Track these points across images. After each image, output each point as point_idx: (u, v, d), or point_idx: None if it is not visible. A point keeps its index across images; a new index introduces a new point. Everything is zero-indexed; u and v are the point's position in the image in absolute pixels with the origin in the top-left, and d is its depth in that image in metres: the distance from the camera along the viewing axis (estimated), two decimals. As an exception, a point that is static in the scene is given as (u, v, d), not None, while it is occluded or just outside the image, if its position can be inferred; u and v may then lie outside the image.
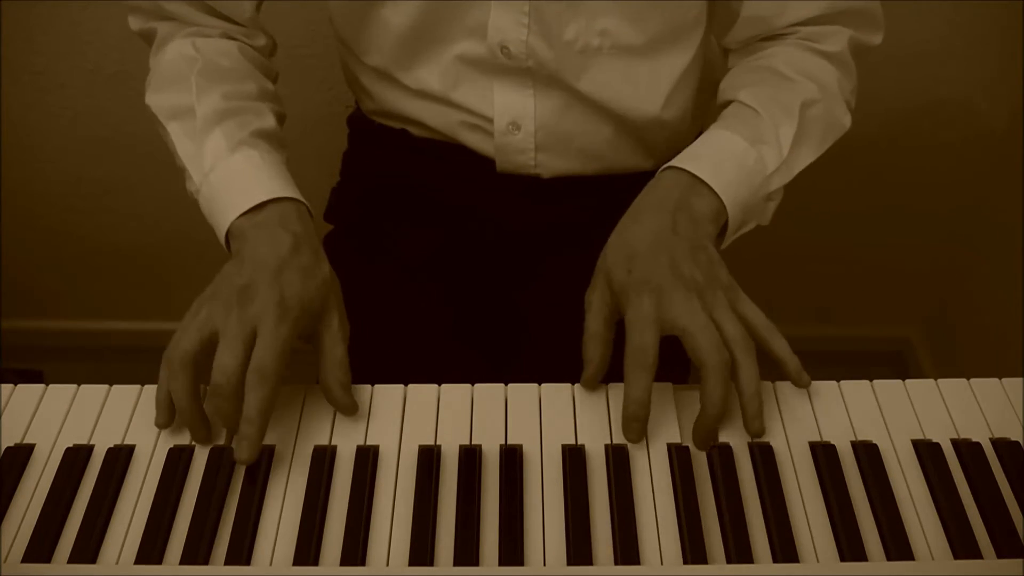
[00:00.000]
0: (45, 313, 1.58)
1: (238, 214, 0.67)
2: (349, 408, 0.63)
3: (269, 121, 0.75)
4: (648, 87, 0.80)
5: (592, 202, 0.87)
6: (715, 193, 0.69)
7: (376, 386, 0.65)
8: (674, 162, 0.71)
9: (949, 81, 1.27)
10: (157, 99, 0.75)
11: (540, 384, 0.66)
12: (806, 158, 0.74)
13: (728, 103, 0.78)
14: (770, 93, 0.75)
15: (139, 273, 1.53)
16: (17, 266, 1.49)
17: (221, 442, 0.62)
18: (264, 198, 0.68)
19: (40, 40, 1.24)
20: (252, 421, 0.59)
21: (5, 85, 1.29)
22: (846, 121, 0.78)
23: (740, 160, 0.71)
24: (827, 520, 0.57)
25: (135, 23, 0.81)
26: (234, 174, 0.69)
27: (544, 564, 0.55)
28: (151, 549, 0.55)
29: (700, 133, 0.94)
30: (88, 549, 0.55)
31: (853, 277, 1.51)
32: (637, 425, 0.61)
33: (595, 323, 0.65)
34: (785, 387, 0.65)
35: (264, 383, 0.59)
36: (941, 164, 1.37)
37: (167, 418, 0.62)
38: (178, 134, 0.73)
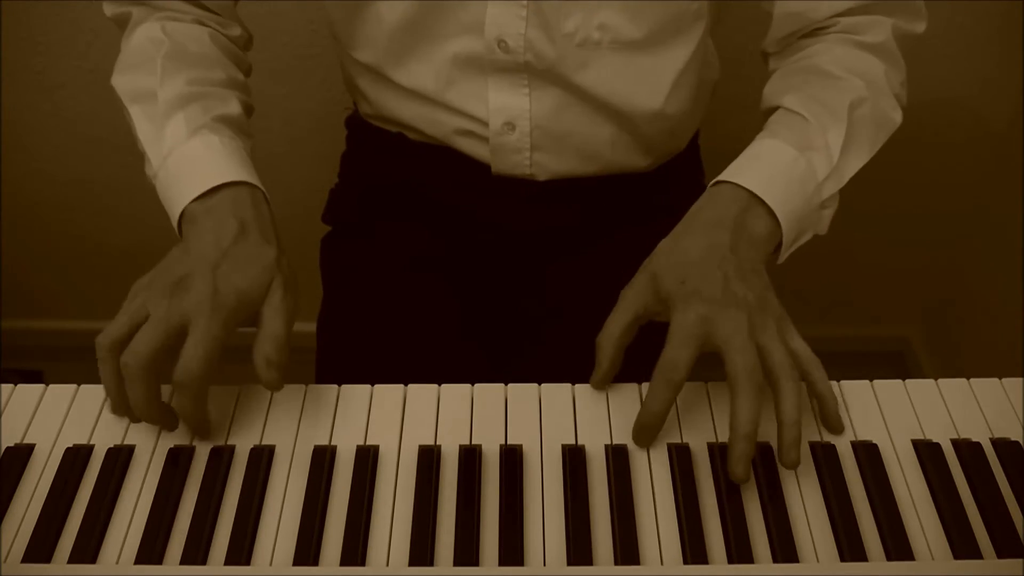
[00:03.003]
0: (45, 313, 1.58)
1: (191, 198, 0.66)
2: (271, 383, 0.61)
3: (234, 108, 0.75)
4: (648, 82, 0.79)
5: (588, 205, 0.87)
6: (771, 212, 0.67)
7: (376, 386, 0.65)
8: (727, 176, 0.69)
9: (949, 81, 1.27)
10: (121, 81, 0.74)
11: (540, 384, 0.66)
12: (858, 161, 0.72)
13: (773, 109, 0.76)
14: (815, 95, 0.73)
15: (139, 273, 1.52)
16: (17, 266, 1.49)
17: (220, 442, 0.62)
18: (218, 182, 0.67)
19: (40, 40, 1.24)
20: (187, 420, 0.61)
21: (5, 85, 1.29)
22: (896, 116, 0.75)
23: (790, 171, 0.69)
24: (827, 520, 0.57)
25: (109, 8, 0.80)
26: (191, 158, 0.69)
27: (544, 564, 0.55)
28: (151, 549, 0.55)
29: (697, 132, 0.95)
30: (88, 549, 0.55)
31: (853, 277, 1.51)
32: (648, 434, 0.61)
33: (619, 322, 0.64)
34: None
35: (191, 385, 0.59)
36: (941, 164, 1.37)
37: (117, 407, 0.62)
38: (139, 117, 0.72)
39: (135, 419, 0.63)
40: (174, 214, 0.68)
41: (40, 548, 0.56)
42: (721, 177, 0.70)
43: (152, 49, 0.74)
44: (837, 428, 0.63)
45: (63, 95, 1.30)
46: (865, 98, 0.73)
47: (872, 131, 0.73)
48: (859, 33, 0.77)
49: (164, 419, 0.61)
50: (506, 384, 0.65)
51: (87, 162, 1.38)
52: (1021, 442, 0.62)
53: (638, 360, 0.74)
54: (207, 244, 0.64)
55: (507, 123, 0.80)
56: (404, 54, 0.79)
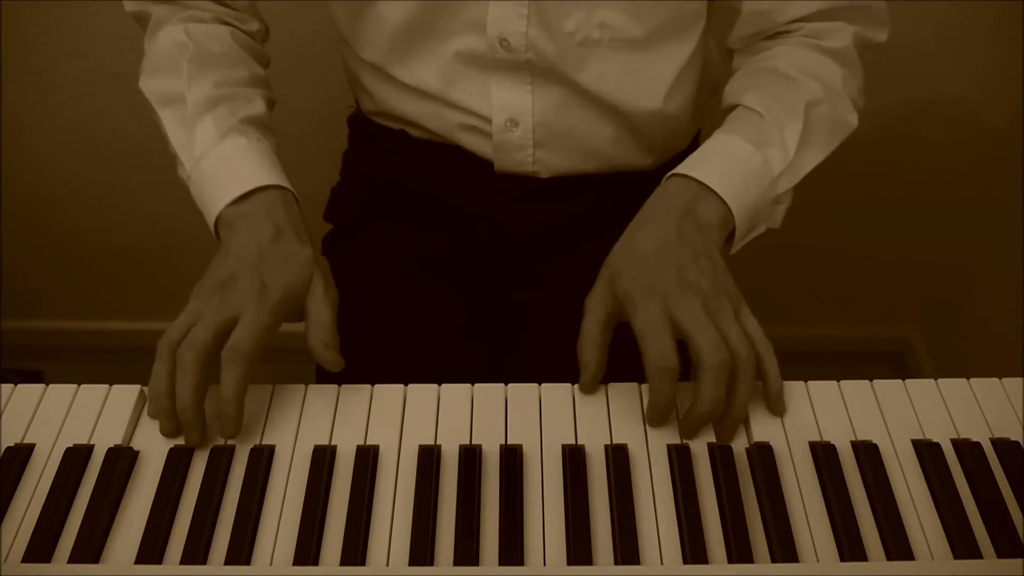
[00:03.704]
0: (45, 313, 1.58)
1: (226, 203, 0.69)
2: (333, 362, 0.65)
3: (259, 107, 0.77)
4: (648, 80, 0.80)
5: (590, 202, 0.87)
6: (722, 200, 0.68)
7: (376, 386, 0.65)
8: (679, 169, 0.71)
9: (949, 80, 1.27)
10: (149, 84, 0.77)
11: (540, 384, 0.66)
12: (813, 159, 0.74)
13: (732, 107, 0.77)
14: (773, 94, 0.75)
15: (139, 273, 1.53)
16: (17, 266, 1.49)
17: (220, 442, 0.62)
18: (251, 187, 0.69)
19: (40, 40, 1.24)
20: (229, 401, 0.61)
21: (5, 85, 1.29)
22: (852, 120, 0.77)
23: (746, 164, 0.71)
24: (827, 520, 0.57)
25: (130, 4, 0.82)
26: (222, 162, 0.71)
27: (544, 564, 0.55)
28: (151, 549, 0.55)
29: (699, 131, 0.95)
30: (88, 549, 0.55)
31: (853, 277, 1.51)
32: (661, 423, 0.63)
33: (592, 327, 0.65)
34: (786, 387, 0.65)
35: (237, 361, 0.61)
36: (941, 164, 1.37)
37: (159, 409, 0.62)
38: (169, 121, 0.74)
39: (170, 430, 0.62)
40: (210, 218, 0.71)
41: (40, 548, 0.56)
42: (674, 171, 0.71)
43: (177, 53, 0.76)
44: (778, 412, 0.64)
45: (63, 95, 1.30)
46: (821, 99, 0.74)
47: (827, 131, 0.75)
48: (821, 38, 0.78)
49: (198, 421, 0.61)
50: (506, 384, 0.65)
51: (87, 162, 1.38)
52: (1021, 442, 0.62)
53: (632, 359, 0.74)
54: (247, 246, 0.66)
55: (510, 120, 0.80)
56: (407, 52, 0.80)
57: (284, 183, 0.71)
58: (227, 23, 0.81)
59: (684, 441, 0.62)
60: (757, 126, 0.73)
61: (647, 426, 0.63)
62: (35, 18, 1.22)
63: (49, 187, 1.41)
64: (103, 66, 1.27)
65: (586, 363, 0.64)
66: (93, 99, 1.30)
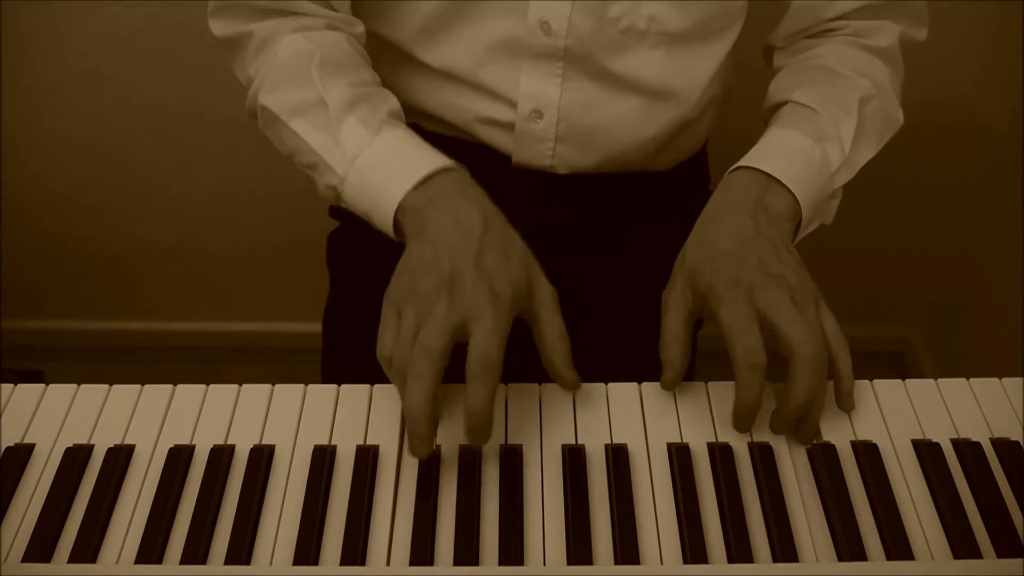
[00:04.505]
0: (45, 313, 1.58)
1: (407, 190, 0.64)
2: (574, 384, 0.61)
3: (394, 102, 0.73)
4: (685, 76, 0.79)
5: (605, 200, 0.86)
6: (790, 191, 0.68)
7: (376, 386, 0.65)
8: (744, 161, 0.70)
9: (948, 80, 1.27)
10: (275, 98, 0.72)
11: (540, 384, 0.66)
12: (866, 154, 0.74)
13: (780, 105, 0.77)
14: (826, 91, 0.75)
15: (139, 273, 1.53)
16: (17, 266, 1.49)
17: (220, 442, 0.62)
18: (429, 169, 0.65)
19: (40, 40, 1.24)
20: (481, 412, 0.56)
21: (4, 85, 1.29)
22: (900, 117, 0.78)
23: (807, 158, 0.70)
24: (827, 520, 0.57)
25: (222, 27, 0.76)
26: (386, 154, 0.67)
27: (544, 564, 0.55)
28: (151, 549, 0.55)
29: (706, 138, 0.95)
30: (88, 549, 0.55)
31: (853, 277, 1.51)
32: (747, 423, 0.62)
33: (674, 324, 0.65)
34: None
35: (490, 374, 0.56)
36: (941, 164, 1.37)
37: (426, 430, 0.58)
38: (306, 129, 0.70)
39: (421, 439, 0.57)
40: (387, 211, 0.65)
41: (40, 548, 0.55)
42: (738, 164, 0.71)
43: (304, 61, 0.72)
44: (847, 407, 0.64)
45: (63, 95, 1.30)
46: (873, 96, 0.75)
47: (880, 127, 0.75)
48: (867, 37, 0.78)
49: (431, 434, 0.57)
50: (506, 384, 0.65)
51: (87, 162, 1.38)
52: (1021, 442, 0.62)
53: (629, 359, 0.74)
54: (456, 237, 0.61)
55: (535, 111, 0.79)
56: (438, 34, 0.78)
57: (458, 164, 0.67)
58: (338, 28, 0.77)
59: (685, 441, 0.62)
60: (814, 121, 0.73)
61: (646, 426, 0.63)
62: (35, 18, 1.22)
63: (49, 187, 1.41)
64: (102, 67, 1.27)
65: (670, 360, 0.64)
66: (93, 99, 1.30)
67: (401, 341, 0.58)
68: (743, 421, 0.61)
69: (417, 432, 0.57)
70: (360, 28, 0.80)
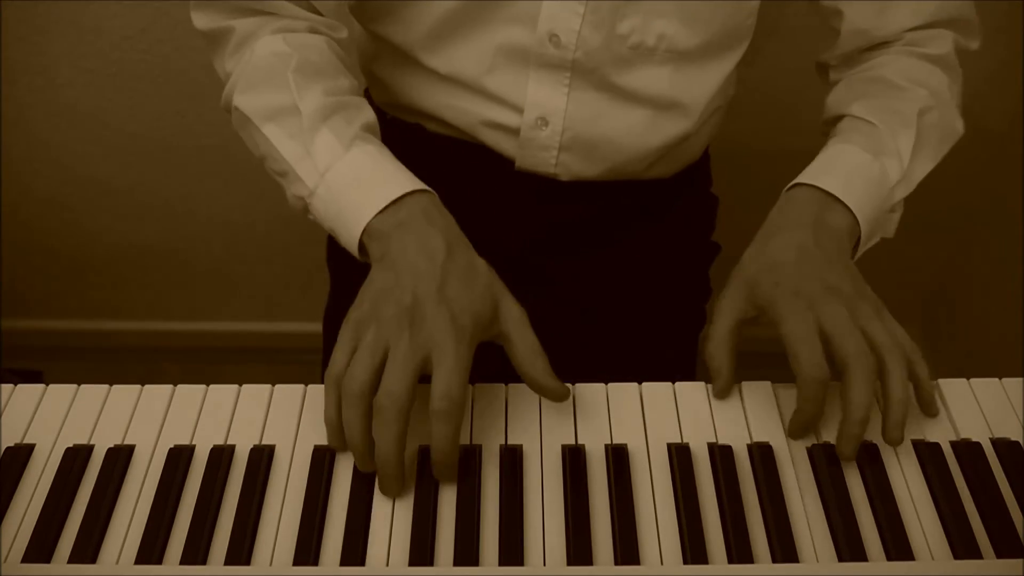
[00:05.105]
0: (45, 313, 1.58)
1: (374, 212, 0.64)
2: (561, 394, 0.61)
3: (370, 115, 0.72)
4: (690, 91, 0.79)
5: (606, 206, 0.86)
6: (848, 209, 0.68)
7: (376, 386, 0.65)
8: (803, 179, 0.71)
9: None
10: (247, 99, 0.70)
11: (540, 384, 0.65)
12: (925, 167, 0.74)
13: (838, 118, 0.77)
14: (883, 104, 0.75)
15: (139, 273, 1.53)
16: (17, 266, 1.49)
17: (220, 442, 0.62)
18: (398, 193, 0.64)
19: (40, 40, 1.24)
20: (448, 452, 0.57)
21: (5, 85, 1.29)
22: (959, 126, 0.77)
23: (866, 174, 0.71)
24: (827, 520, 0.57)
25: (204, 20, 0.75)
26: (356, 171, 0.66)
27: (544, 564, 0.55)
28: (151, 549, 0.55)
29: (707, 145, 0.95)
30: (88, 549, 0.55)
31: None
32: (806, 431, 0.62)
33: (723, 331, 0.65)
34: (783, 388, 0.65)
35: (453, 411, 0.56)
36: (941, 165, 1.37)
37: (342, 442, 0.60)
38: (278, 136, 0.68)
39: (369, 465, 0.59)
40: (352, 232, 0.64)
41: (40, 548, 0.56)
42: (797, 180, 0.71)
43: (280, 64, 0.70)
44: (931, 412, 0.64)
45: (63, 95, 1.30)
46: (932, 106, 0.75)
47: (939, 138, 0.75)
48: (923, 46, 0.78)
49: (400, 473, 0.58)
50: (506, 384, 0.65)
51: (87, 162, 1.38)
52: (1021, 442, 0.62)
53: (629, 359, 0.74)
54: (419, 264, 0.61)
55: (540, 118, 0.79)
56: (446, 40, 0.77)
57: (428, 188, 0.66)
58: (320, 32, 0.76)
59: (685, 441, 0.62)
60: (872, 136, 0.73)
61: (646, 426, 0.63)
62: (35, 18, 1.22)
63: (49, 187, 1.41)
64: (103, 66, 1.27)
65: (718, 369, 0.64)
66: (93, 99, 1.30)
67: (353, 365, 0.58)
68: (802, 430, 0.62)
69: (388, 473, 0.57)
70: (343, 33, 0.78)
